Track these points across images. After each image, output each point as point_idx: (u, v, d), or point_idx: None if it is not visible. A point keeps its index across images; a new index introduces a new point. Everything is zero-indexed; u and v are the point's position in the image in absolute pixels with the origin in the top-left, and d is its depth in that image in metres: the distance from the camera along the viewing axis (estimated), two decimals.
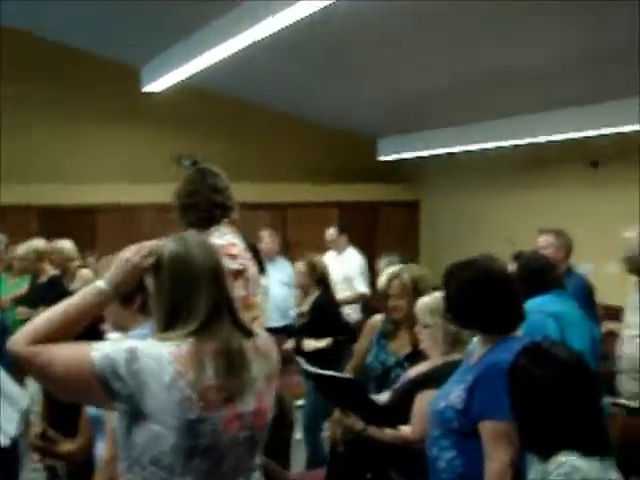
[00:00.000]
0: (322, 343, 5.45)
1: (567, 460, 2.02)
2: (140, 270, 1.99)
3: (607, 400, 4.18)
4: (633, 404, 4.35)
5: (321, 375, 3.00)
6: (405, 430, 2.91)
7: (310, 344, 5.50)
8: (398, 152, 10.65)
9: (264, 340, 2.10)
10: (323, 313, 5.60)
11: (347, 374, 3.30)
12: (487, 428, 2.46)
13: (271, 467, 3.34)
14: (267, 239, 7.49)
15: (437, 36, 6.99)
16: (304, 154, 11.41)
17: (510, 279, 2.70)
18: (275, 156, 11.22)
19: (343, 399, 3.09)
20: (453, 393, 2.59)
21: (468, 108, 9.06)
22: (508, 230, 9.77)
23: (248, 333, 2.03)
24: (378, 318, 4.00)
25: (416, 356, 3.29)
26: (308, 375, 3.06)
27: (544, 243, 5.14)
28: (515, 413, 2.20)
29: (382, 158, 10.97)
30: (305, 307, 5.72)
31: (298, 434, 6.43)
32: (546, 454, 2.09)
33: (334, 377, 3.01)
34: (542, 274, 3.90)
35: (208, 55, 6.90)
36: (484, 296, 2.57)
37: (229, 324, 1.99)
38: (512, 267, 4.00)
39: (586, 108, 7.98)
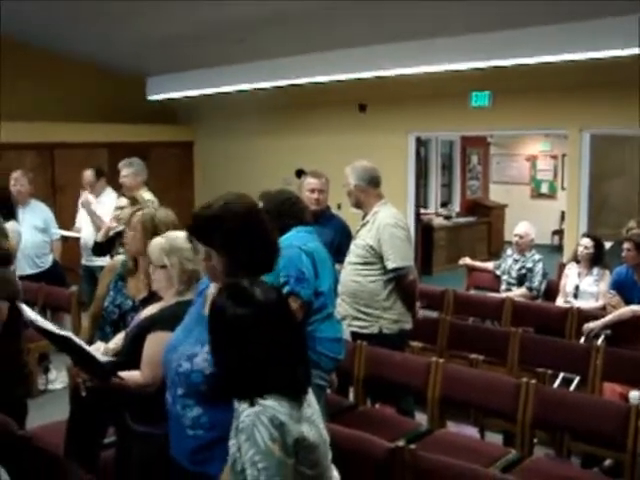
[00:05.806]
0: None
1: (258, 401, 1.96)
2: None
3: None
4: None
5: (43, 329, 2.84)
6: (134, 375, 2.81)
7: None
8: (167, 92, 10.36)
9: None
10: None
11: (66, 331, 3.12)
12: None
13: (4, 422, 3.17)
14: (14, 182, 6.78)
15: None
16: (72, 93, 10.86)
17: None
18: (41, 95, 10.54)
19: (70, 351, 2.96)
20: (199, 356, 2.37)
21: (240, 48, 8.93)
22: (279, 170, 9.91)
23: None
24: (118, 259, 3.86)
25: (152, 300, 3.19)
26: (34, 327, 2.89)
27: (315, 185, 5.26)
28: (213, 354, 2.08)
29: (151, 97, 10.64)
30: None
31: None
32: (241, 396, 2.02)
33: (52, 332, 2.86)
34: (290, 210, 3.93)
35: None
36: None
37: None
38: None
39: (355, 50, 8.08)
